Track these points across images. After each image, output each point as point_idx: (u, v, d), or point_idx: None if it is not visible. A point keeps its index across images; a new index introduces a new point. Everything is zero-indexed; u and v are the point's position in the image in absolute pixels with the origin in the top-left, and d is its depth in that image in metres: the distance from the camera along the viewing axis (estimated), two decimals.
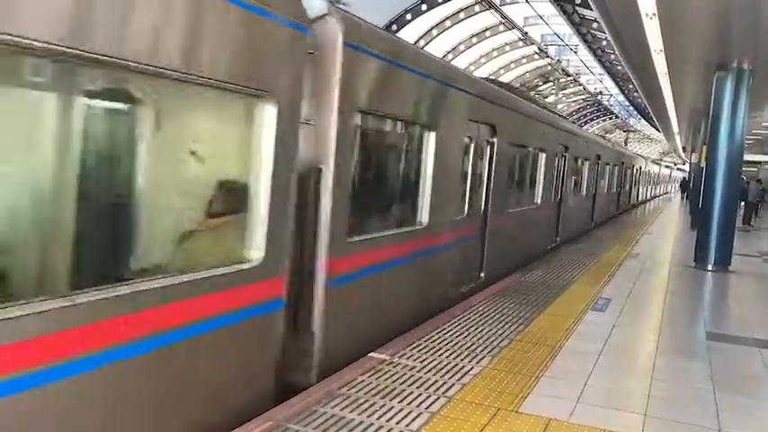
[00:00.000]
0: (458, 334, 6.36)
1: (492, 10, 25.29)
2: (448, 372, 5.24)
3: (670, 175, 70.50)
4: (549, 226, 13.75)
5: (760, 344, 7.04)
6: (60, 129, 3.05)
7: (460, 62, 28.23)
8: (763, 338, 7.29)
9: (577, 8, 23.70)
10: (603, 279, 10.16)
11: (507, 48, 31.31)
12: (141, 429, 3.49)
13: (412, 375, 5.09)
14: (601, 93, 43.92)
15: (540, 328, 6.86)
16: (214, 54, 3.76)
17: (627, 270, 11.32)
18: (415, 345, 5.90)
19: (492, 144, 8.87)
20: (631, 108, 49.16)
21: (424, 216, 6.83)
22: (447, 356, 5.63)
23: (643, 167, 35.63)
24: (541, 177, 12.29)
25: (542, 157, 12.22)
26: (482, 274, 8.97)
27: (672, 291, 9.87)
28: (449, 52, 27.98)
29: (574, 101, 48.23)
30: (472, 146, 8.21)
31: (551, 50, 34.77)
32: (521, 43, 30.63)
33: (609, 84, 40.92)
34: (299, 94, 4.59)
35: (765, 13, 9.12)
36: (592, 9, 13.99)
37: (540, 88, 38.45)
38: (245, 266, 4.19)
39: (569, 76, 38.16)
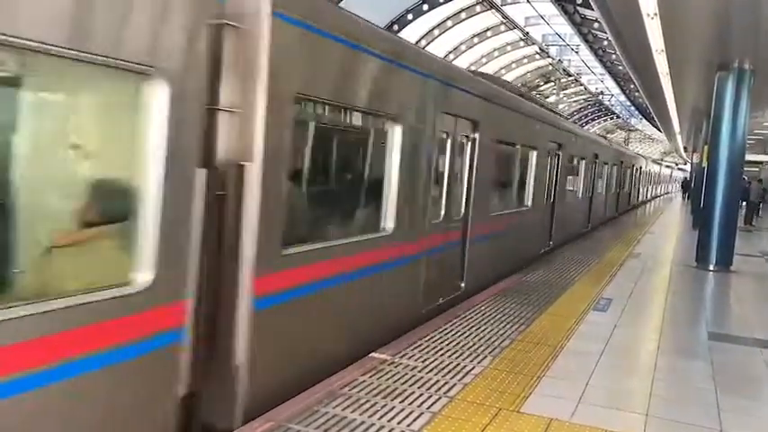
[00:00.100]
0: (459, 334, 6.36)
1: (493, 10, 25.29)
2: (449, 372, 5.24)
3: (671, 175, 70.33)
4: (542, 229, 12.79)
5: (761, 344, 7.03)
6: None
7: (462, 62, 28.23)
8: (765, 338, 7.28)
9: (578, 8, 23.68)
10: (605, 279, 10.15)
11: (508, 48, 31.29)
12: None
13: (413, 375, 5.09)
14: (602, 93, 43.88)
15: (542, 328, 6.85)
16: (80, 20, 3.00)
17: (628, 270, 11.31)
18: (416, 344, 5.90)
19: (473, 141, 8.04)
20: (633, 108, 49.12)
21: (388, 222, 6.02)
22: (448, 356, 5.63)
23: (643, 167, 35.08)
24: (532, 178, 11.35)
25: (533, 155, 11.31)
26: (463, 285, 8.13)
27: (673, 291, 9.86)
28: (450, 52, 27.99)
29: (575, 101, 48.19)
30: (449, 142, 7.42)
31: (552, 50, 34.77)
32: (522, 43, 30.62)
33: (610, 84, 40.88)
34: (205, 73, 3.78)
35: (766, 13, 9.11)
36: (593, 9, 13.99)
37: (542, 88, 38.42)
38: (125, 291, 3.35)
39: (570, 76, 38.12)
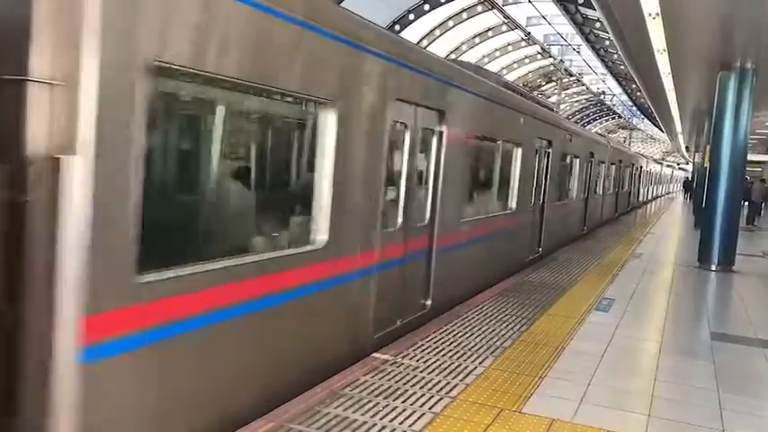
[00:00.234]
0: (461, 334, 6.35)
1: (495, 10, 25.27)
2: (451, 372, 5.24)
3: (672, 175, 70.06)
4: (530, 234, 11.50)
5: (764, 344, 7.02)
6: None
7: None
8: (767, 338, 7.27)
9: (580, 8, 23.64)
10: (607, 279, 10.14)
11: (510, 48, 31.25)
12: None
13: (415, 375, 5.09)
14: (604, 93, 43.82)
15: (543, 328, 6.84)
16: None
17: (630, 270, 11.30)
18: (418, 345, 5.89)
19: (440, 134, 6.95)
20: (634, 108, 49.10)
21: (320, 233, 4.89)
22: (450, 357, 5.63)
23: (644, 167, 34.51)
24: (517, 178, 10.17)
25: (517, 153, 10.13)
26: (428, 302, 7.07)
27: (675, 291, 9.85)
28: (452, 52, 27.98)
29: (577, 101, 48.15)
30: (407, 135, 6.30)
31: (554, 50, 34.72)
32: (523, 43, 30.58)
33: (612, 84, 40.87)
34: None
35: None
36: (594, 9, 13.98)
37: (544, 88, 38.40)
38: None
39: (572, 76, 38.07)
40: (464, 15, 25.53)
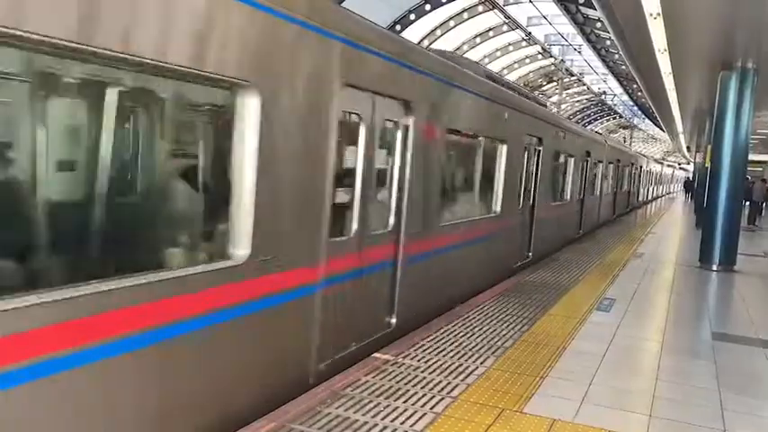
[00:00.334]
0: (462, 334, 6.35)
1: (495, 10, 25.26)
2: (452, 372, 5.24)
3: (672, 175, 69.87)
4: (518, 239, 10.68)
5: (765, 344, 7.01)
6: None
7: None
8: None
9: (581, 8, 23.62)
10: (608, 279, 10.14)
11: (511, 48, 31.23)
12: None
13: (416, 376, 5.09)
14: (605, 93, 43.80)
15: (545, 328, 6.84)
16: None
17: (631, 270, 11.29)
18: (419, 345, 5.89)
19: (405, 128, 6.14)
20: (635, 108, 49.06)
21: (239, 246, 3.99)
22: (451, 357, 5.63)
23: (644, 166, 34.07)
24: (501, 178, 9.31)
25: (502, 150, 9.28)
26: (394, 320, 6.24)
27: (677, 291, 9.84)
28: (452, 52, 28.01)
29: (578, 101, 48.13)
30: (362, 128, 5.42)
31: (555, 50, 34.70)
32: (524, 43, 30.57)
33: (613, 83, 40.82)
34: None
35: None
36: (595, 9, 13.98)
37: (544, 88, 38.39)
38: None
39: (573, 75, 38.06)
40: (465, 15, 25.52)
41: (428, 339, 6.09)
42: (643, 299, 8.92)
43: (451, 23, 25.75)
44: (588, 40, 28.09)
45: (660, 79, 15.15)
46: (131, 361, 3.30)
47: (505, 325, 6.84)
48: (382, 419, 4.23)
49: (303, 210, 4.67)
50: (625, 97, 45.46)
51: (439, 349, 5.82)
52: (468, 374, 5.22)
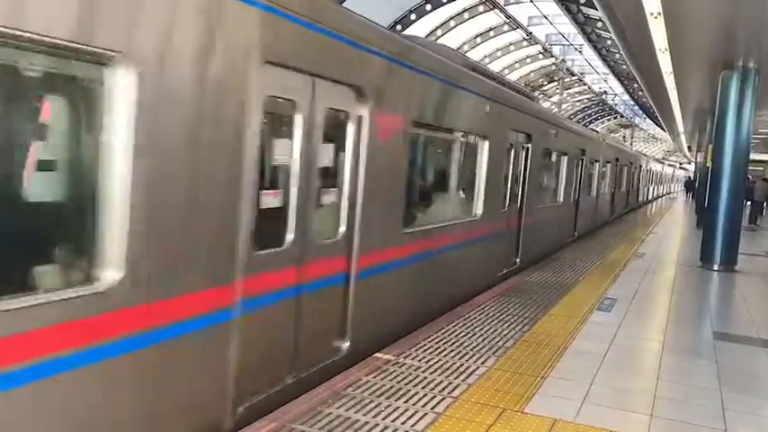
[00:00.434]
0: (463, 334, 6.35)
1: (496, 10, 25.27)
2: (453, 372, 5.23)
3: (673, 174, 69.66)
4: (504, 244, 9.75)
5: (766, 344, 7.01)
6: None
7: None
8: None
9: (582, 8, 23.62)
10: (609, 279, 10.13)
11: (512, 48, 31.24)
12: None
13: (417, 376, 5.09)
14: (605, 92, 43.81)
15: (546, 328, 6.84)
16: None
17: (632, 270, 11.29)
18: (420, 345, 5.89)
19: (359, 120, 5.26)
20: (636, 107, 49.05)
21: (108, 265, 3.12)
22: (452, 357, 5.62)
23: (643, 166, 33.57)
24: (483, 178, 8.43)
25: (484, 148, 8.41)
26: (346, 344, 5.35)
27: (678, 290, 9.84)
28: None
29: (579, 100, 48.12)
30: (297, 118, 4.52)
31: (556, 50, 34.70)
32: (525, 43, 30.58)
33: (614, 83, 40.82)
34: None
35: None
36: (596, 8, 13.97)
37: (545, 88, 38.41)
38: None
39: (574, 75, 38.07)
40: (466, 15, 25.52)
41: (429, 339, 6.09)
42: (644, 299, 8.92)
43: (452, 23, 25.74)
44: (589, 40, 28.09)
45: (661, 79, 15.14)
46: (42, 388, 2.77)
47: (506, 325, 6.83)
48: (383, 419, 4.23)
49: (207, 216, 3.70)
50: (626, 97, 45.45)
51: (440, 349, 5.82)
52: (469, 374, 5.21)
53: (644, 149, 62.54)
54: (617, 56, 29.02)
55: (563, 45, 34.21)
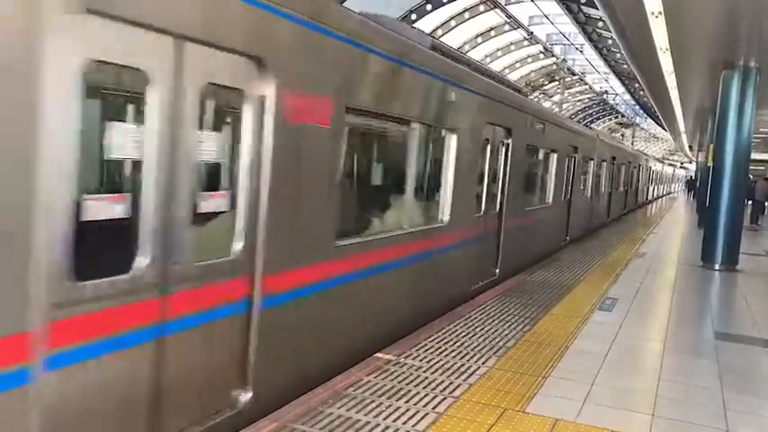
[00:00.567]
0: (464, 334, 6.35)
1: (497, 9, 25.25)
2: (454, 372, 5.23)
3: (673, 174, 69.43)
4: (478, 253, 8.50)
5: None
6: None
7: None
8: None
9: (583, 7, 23.60)
10: (610, 279, 10.13)
11: (512, 47, 31.21)
12: None
13: (418, 375, 5.08)
14: (606, 92, 43.79)
15: (547, 328, 6.83)
16: None
17: (633, 269, 11.28)
18: (421, 345, 5.89)
19: (260, 100, 4.05)
20: (637, 107, 49.04)
21: None
22: (453, 357, 5.62)
23: (643, 165, 33.00)
24: (449, 178, 7.29)
25: (450, 143, 7.28)
26: (244, 396, 4.11)
27: (679, 290, 9.83)
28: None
29: (579, 100, 48.11)
30: (154, 94, 3.34)
31: (557, 50, 34.72)
32: (526, 42, 30.55)
33: (615, 83, 40.81)
34: None
35: None
36: (597, 8, 13.96)
37: (546, 87, 38.39)
38: None
39: (575, 75, 38.05)
40: (466, 15, 25.51)
41: (430, 339, 6.08)
42: (645, 298, 8.91)
43: (453, 23, 25.74)
44: (590, 40, 28.06)
45: (662, 78, 15.14)
46: None
47: (507, 325, 6.83)
48: (384, 419, 4.22)
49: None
50: (627, 96, 45.45)
51: (441, 349, 5.82)
52: (471, 374, 5.21)
53: (645, 149, 62.53)
54: (618, 55, 29.00)
55: (564, 45, 34.25)
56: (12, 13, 2.59)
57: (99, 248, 3.21)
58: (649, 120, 51.41)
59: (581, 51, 32.74)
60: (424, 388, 4.83)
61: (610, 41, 26.55)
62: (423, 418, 4.30)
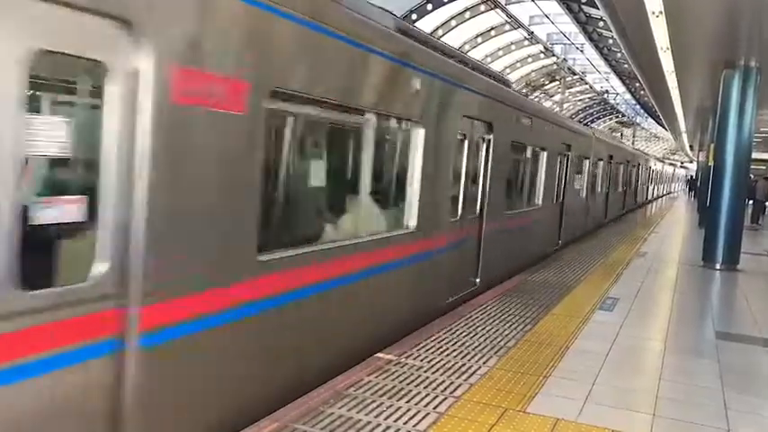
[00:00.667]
0: (465, 334, 6.35)
1: (497, 9, 25.25)
2: (455, 372, 5.23)
3: (674, 174, 69.24)
4: (453, 262, 7.56)
5: None
6: None
7: None
8: None
9: (583, 7, 23.60)
10: (611, 278, 10.12)
11: (513, 47, 31.20)
12: None
13: (419, 375, 5.08)
14: (607, 91, 43.79)
15: (548, 328, 6.83)
16: None
17: (634, 269, 11.28)
18: (422, 345, 5.89)
19: (131, 77, 3.09)
20: (638, 106, 49.02)
21: None
22: (454, 356, 5.62)
23: (642, 164, 32.60)
24: (416, 178, 6.42)
25: (417, 138, 6.40)
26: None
27: (680, 290, 9.83)
28: None
29: (580, 99, 48.10)
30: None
31: (557, 49, 34.69)
32: (526, 42, 30.54)
33: (615, 82, 40.79)
34: None
35: None
36: (598, 8, 13.95)
37: (547, 87, 38.39)
38: None
39: (576, 74, 38.06)
40: (467, 15, 25.51)
41: (431, 339, 6.08)
42: (646, 298, 8.91)
43: (453, 23, 25.73)
44: (590, 39, 28.05)
45: (663, 78, 15.14)
46: None
47: (508, 324, 6.83)
48: (385, 419, 4.22)
49: None
50: (628, 96, 45.45)
51: (442, 349, 5.82)
52: (471, 374, 5.21)
53: (646, 148, 62.49)
54: (618, 55, 28.99)
55: (564, 44, 34.22)
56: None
57: None
58: (650, 119, 51.38)
59: (581, 51, 32.73)
60: (424, 388, 4.83)
61: (610, 41, 26.54)
62: (424, 417, 4.30)
